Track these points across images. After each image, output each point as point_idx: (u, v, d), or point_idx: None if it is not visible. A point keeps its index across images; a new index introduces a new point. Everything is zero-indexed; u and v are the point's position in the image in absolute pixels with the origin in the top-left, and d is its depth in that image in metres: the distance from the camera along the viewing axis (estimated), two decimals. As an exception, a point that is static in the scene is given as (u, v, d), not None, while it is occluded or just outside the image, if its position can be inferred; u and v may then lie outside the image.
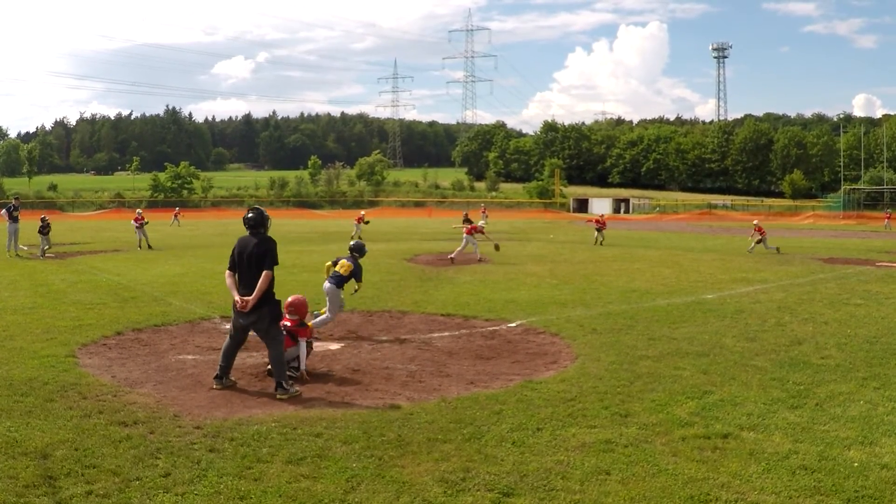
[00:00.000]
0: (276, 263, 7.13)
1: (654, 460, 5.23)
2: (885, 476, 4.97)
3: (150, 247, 25.29)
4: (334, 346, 9.27)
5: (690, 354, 8.68)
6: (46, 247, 22.67)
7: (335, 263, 10.09)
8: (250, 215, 7.25)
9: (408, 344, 9.45)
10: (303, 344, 7.81)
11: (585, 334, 9.90)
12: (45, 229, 22.93)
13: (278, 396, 6.85)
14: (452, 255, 20.71)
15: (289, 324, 7.83)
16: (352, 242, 10.51)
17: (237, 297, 7.01)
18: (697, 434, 5.79)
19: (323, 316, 9.76)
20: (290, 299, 8.03)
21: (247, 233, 7.25)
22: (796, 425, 6.05)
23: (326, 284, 9.92)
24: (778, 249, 24.38)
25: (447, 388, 7.22)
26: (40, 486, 4.66)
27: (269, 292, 7.09)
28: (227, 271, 7.20)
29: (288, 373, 7.38)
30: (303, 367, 7.73)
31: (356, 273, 9.96)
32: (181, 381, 7.47)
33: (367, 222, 33.48)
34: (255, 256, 7.04)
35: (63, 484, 4.71)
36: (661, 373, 7.77)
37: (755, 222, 26.94)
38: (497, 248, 22.13)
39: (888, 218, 46.23)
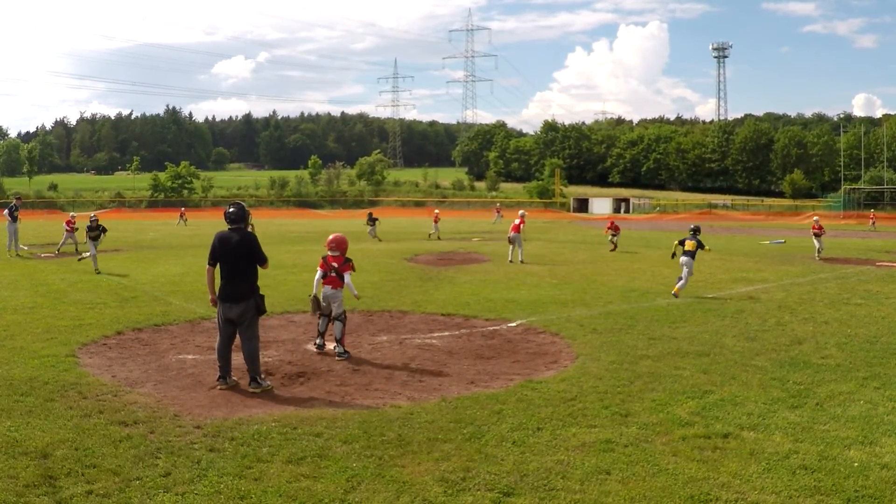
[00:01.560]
0: (266, 259, 7.41)
1: (655, 460, 5.23)
2: (886, 476, 4.97)
3: (77, 250, 22.75)
4: (333, 345, 9.26)
5: (691, 354, 8.68)
6: (92, 254, 17.87)
7: (682, 243, 14.22)
8: (232, 210, 7.38)
9: (408, 344, 9.45)
10: (339, 324, 8.69)
11: (586, 334, 9.90)
12: (94, 231, 18.33)
13: (251, 390, 7.01)
14: (521, 259, 20.23)
15: (336, 264, 8.63)
16: (692, 224, 14.93)
17: (212, 296, 7.34)
18: (698, 434, 5.79)
19: (683, 280, 13.93)
20: (330, 237, 8.90)
21: (226, 228, 7.36)
22: (796, 425, 6.05)
23: (683, 258, 14.00)
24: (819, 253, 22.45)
25: (447, 388, 7.23)
26: (40, 486, 4.66)
27: (254, 285, 7.25)
28: (208, 266, 7.35)
29: (338, 358, 8.44)
30: (343, 346, 8.70)
31: (700, 246, 14.21)
32: (181, 380, 7.48)
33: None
34: (240, 252, 7.18)
35: (63, 483, 4.72)
36: (662, 372, 7.77)
37: (815, 218, 24.35)
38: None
39: (873, 218, 46.70)
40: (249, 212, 7.59)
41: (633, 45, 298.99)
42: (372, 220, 31.59)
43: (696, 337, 9.73)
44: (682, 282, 13.80)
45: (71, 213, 27.53)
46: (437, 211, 36.00)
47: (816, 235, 22.65)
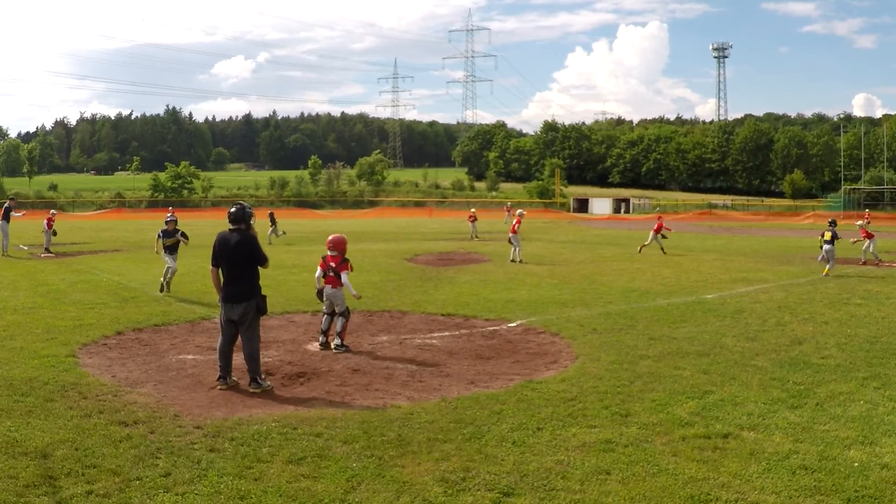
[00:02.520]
0: (267, 258, 7.40)
1: (655, 460, 5.23)
2: (886, 476, 4.97)
3: (45, 250, 22.59)
4: (333, 345, 9.27)
5: (691, 354, 8.68)
6: (170, 268, 14.02)
7: (822, 235, 17.80)
8: (233, 210, 7.40)
9: (408, 344, 9.45)
10: (342, 320, 8.96)
11: (586, 334, 9.90)
12: (171, 236, 14.37)
13: (251, 390, 7.03)
14: (519, 259, 20.18)
15: (333, 264, 8.92)
16: (830, 218, 20.11)
17: (220, 296, 7.32)
18: (698, 434, 5.79)
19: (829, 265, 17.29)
20: (330, 237, 9.18)
21: (228, 227, 7.36)
22: (796, 425, 6.05)
23: (826, 246, 17.40)
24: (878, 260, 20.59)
25: (447, 388, 7.22)
26: (41, 486, 4.66)
27: (255, 286, 7.25)
28: (212, 268, 7.38)
29: (336, 351, 8.72)
30: (342, 340, 8.96)
31: (836, 235, 17.58)
32: (181, 380, 7.47)
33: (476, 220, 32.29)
34: (239, 253, 7.19)
35: (63, 484, 4.71)
36: (662, 373, 7.77)
37: (859, 223, 22.74)
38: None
39: (868, 217, 46.92)
40: (252, 213, 7.56)
41: (633, 46, 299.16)
42: (273, 221, 29.24)
43: (696, 337, 9.73)
44: (829, 265, 17.30)
45: (51, 211, 25.88)
46: (473, 210, 35.85)
47: (869, 237, 20.79)
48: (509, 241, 20.98)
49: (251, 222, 7.48)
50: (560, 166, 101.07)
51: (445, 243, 28.51)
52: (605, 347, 9.04)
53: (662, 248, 24.07)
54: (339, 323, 9.02)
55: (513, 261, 20.26)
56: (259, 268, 7.34)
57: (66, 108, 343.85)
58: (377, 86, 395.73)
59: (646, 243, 24.44)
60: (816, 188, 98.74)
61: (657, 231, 24.28)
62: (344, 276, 8.99)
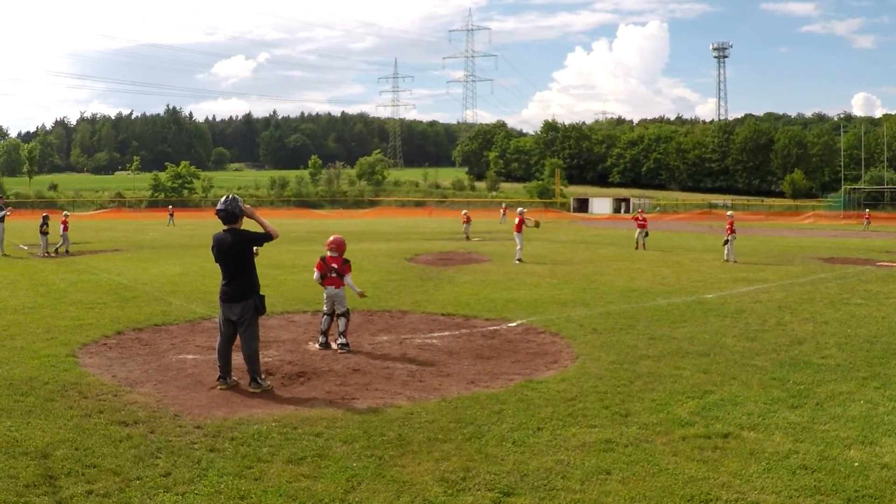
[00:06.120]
0: (260, 243, 7.24)
1: (655, 460, 5.23)
2: (886, 476, 4.96)
3: (48, 253, 22.09)
4: (334, 345, 9.27)
5: (691, 354, 8.68)
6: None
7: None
8: (221, 213, 7.12)
9: (408, 344, 9.44)
10: (343, 320, 9.00)
11: (586, 334, 9.89)
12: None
13: (251, 390, 7.03)
14: (517, 259, 20.53)
15: (335, 265, 9.02)
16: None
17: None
18: (698, 434, 5.78)
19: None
20: (331, 238, 9.22)
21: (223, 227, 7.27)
22: (797, 425, 6.04)
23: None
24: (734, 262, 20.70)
25: (447, 388, 7.22)
26: (41, 486, 4.66)
27: (253, 285, 7.24)
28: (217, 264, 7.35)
29: (340, 350, 8.78)
30: (344, 339, 8.98)
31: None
32: (181, 380, 7.47)
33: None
34: (235, 253, 7.15)
35: (63, 483, 4.71)
36: (662, 372, 7.77)
37: (729, 213, 24.58)
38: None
39: (867, 217, 47.06)
40: (240, 206, 7.14)
41: (633, 45, 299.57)
42: (44, 225, 23.52)
43: (696, 337, 9.72)
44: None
45: (44, 214, 24.13)
46: (464, 212, 36.43)
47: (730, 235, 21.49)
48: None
49: (241, 206, 7.17)
50: (560, 166, 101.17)
51: (445, 243, 28.51)
52: (605, 347, 9.04)
53: (643, 245, 25.55)
54: (340, 323, 9.05)
55: (520, 260, 20.48)
56: (256, 266, 7.28)
57: (67, 107, 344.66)
58: (377, 86, 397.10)
59: (640, 241, 25.79)
60: (816, 188, 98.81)
61: (642, 227, 25.90)
62: (348, 278, 9.16)
